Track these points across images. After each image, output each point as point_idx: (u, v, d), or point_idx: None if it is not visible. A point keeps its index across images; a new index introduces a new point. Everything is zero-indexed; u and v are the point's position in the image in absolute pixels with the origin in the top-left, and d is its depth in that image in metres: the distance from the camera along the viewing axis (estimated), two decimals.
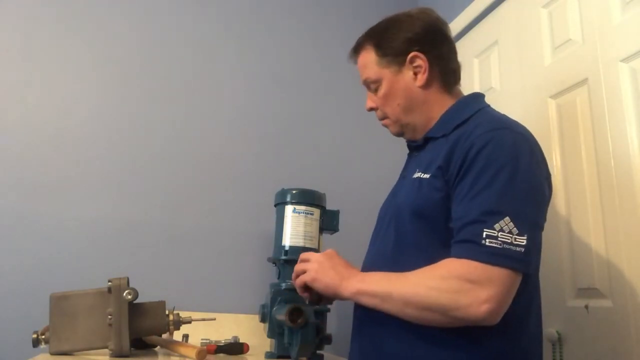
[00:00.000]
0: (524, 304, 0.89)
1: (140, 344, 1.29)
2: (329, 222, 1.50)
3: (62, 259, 1.72)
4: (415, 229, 0.95)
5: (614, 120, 1.27)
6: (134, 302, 1.14)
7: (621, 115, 1.25)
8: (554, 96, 1.49)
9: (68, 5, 1.91)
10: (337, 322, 1.90)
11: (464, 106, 1.05)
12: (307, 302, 1.07)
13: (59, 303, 1.14)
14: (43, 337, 1.14)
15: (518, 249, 0.81)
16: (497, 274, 0.80)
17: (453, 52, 1.10)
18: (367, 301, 0.93)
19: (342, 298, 0.98)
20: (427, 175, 0.96)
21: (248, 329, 1.75)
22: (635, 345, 1.15)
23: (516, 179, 0.85)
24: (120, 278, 1.14)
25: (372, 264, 1.06)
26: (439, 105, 1.06)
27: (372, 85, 1.10)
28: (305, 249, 1.40)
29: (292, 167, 2.02)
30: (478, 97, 1.10)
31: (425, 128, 1.07)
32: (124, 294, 1.12)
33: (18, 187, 1.74)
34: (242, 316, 1.80)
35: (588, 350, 1.26)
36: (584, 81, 1.38)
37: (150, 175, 1.88)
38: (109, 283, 1.14)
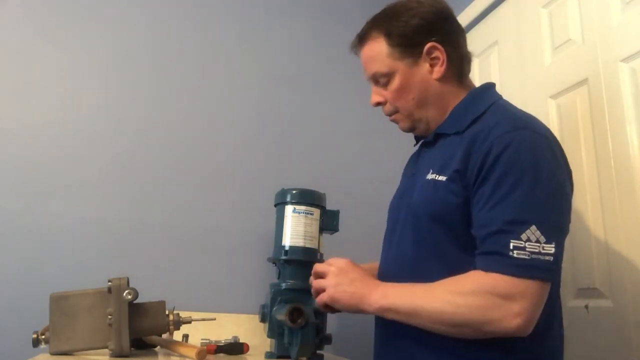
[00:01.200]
0: (549, 310, 0.88)
1: (140, 344, 1.29)
2: (329, 222, 1.50)
3: (62, 259, 1.72)
4: (434, 234, 0.93)
5: (614, 120, 1.27)
6: (134, 302, 1.14)
7: (621, 115, 1.25)
8: (554, 96, 1.49)
9: (68, 5, 1.91)
10: (337, 322, 1.90)
11: (477, 99, 1.00)
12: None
13: (59, 303, 1.14)
14: (43, 337, 1.13)
15: (547, 257, 0.79)
16: (527, 286, 0.78)
17: (465, 40, 1.05)
18: (392, 317, 0.91)
19: (366, 313, 0.96)
20: (443, 178, 0.92)
21: (248, 329, 1.75)
22: (635, 345, 1.15)
23: (539, 184, 0.82)
24: (120, 278, 1.14)
25: (390, 270, 1.03)
26: (454, 97, 1.01)
27: (381, 79, 1.02)
28: (305, 249, 1.40)
29: (292, 167, 2.01)
30: (490, 89, 1.04)
31: (439, 122, 1.02)
32: (124, 294, 1.12)
33: (18, 187, 1.74)
34: (242, 316, 1.80)
35: (588, 350, 1.26)
36: (584, 81, 1.38)
37: (150, 175, 1.88)
38: (109, 283, 1.14)
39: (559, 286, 0.93)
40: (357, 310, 0.96)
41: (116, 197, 1.83)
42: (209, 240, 1.89)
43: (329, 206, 1.53)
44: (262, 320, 1.40)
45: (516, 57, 1.68)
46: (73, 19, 1.91)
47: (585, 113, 1.37)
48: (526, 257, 0.78)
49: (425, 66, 0.99)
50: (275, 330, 1.33)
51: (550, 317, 0.89)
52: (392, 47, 0.99)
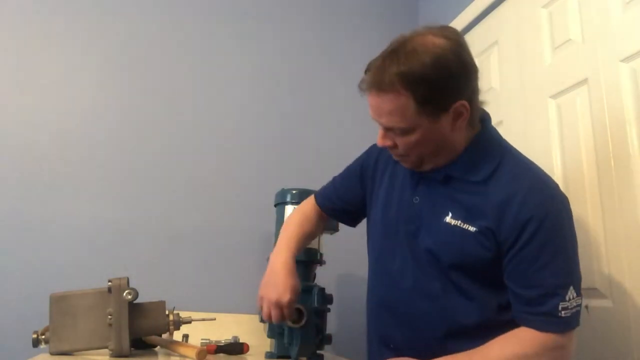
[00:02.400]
0: None
1: (140, 344, 1.29)
2: (329, 222, 1.49)
3: (62, 259, 1.73)
4: (455, 274, 0.99)
5: (613, 120, 1.27)
6: (134, 302, 1.14)
7: (621, 115, 1.25)
8: (554, 96, 1.49)
9: (68, 6, 1.91)
10: (337, 322, 1.90)
11: (487, 145, 1.01)
12: None
13: (59, 303, 1.14)
14: (43, 337, 1.13)
15: (578, 308, 0.93)
16: (572, 334, 0.94)
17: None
18: None
19: None
20: (472, 229, 0.96)
21: (248, 329, 1.75)
22: (635, 345, 1.15)
23: (572, 249, 0.95)
24: (120, 278, 1.14)
25: (412, 303, 1.03)
26: (465, 138, 1.01)
27: (398, 130, 0.97)
28: (305, 249, 1.40)
29: (292, 167, 2.02)
30: (493, 131, 1.05)
31: (447, 162, 1.02)
32: (124, 294, 1.12)
33: (18, 188, 1.74)
34: (242, 316, 1.80)
35: (588, 350, 1.26)
36: (584, 81, 1.38)
37: (150, 175, 1.88)
38: (109, 283, 1.14)
39: None
40: None
41: (116, 197, 1.83)
42: (209, 240, 1.89)
43: None
44: (262, 320, 1.40)
45: (516, 57, 1.68)
46: (73, 19, 1.91)
47: (585, 113, 1.37)
48: (569, 315, 0.92)
49: (447, 120, 0.95)
50: (275, 330, 1.33)
51: None
52: (419, 105, 0.92)
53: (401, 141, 0.98)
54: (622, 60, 1.27)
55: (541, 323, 0.92)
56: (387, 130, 0.99)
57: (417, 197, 1.05)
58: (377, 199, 1.16)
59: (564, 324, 0.91)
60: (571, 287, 0.92)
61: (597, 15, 1.36)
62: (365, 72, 0.98)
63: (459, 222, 0.97)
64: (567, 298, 0.91)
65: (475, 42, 1.92)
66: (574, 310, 0.92)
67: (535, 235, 0.92)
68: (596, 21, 1.36)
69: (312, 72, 2.16)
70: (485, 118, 1.05)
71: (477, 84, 0.99)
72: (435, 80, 0.91)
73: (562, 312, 0.91)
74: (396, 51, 0.94)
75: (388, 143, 1.01)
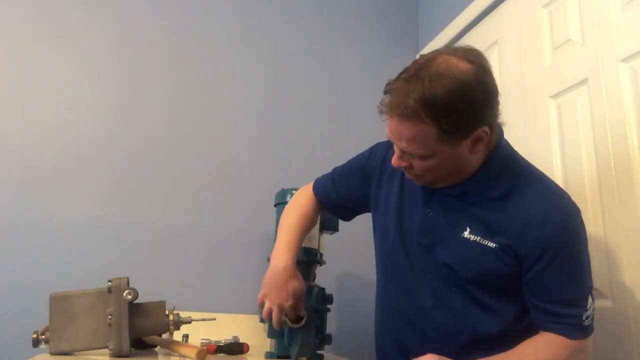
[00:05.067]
0: None
1: (140, 344, 1.29)
2: (329, 222, 1.50)
3: (62, 259, 1.72)
4: (473, 287, 1.00)
5: (614, 120, 1.27)
6: (134, 302, 1.14)
7: (621, 115, 1.25)
8: (554, 96, 1.49)
9: (68, 6, 1.91)
10: (337, 322, 1.90)
11: (502, 162, 1.01)
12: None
13: (59, 303, 1.14)
14: (43, 337, 1.13)
15: (594, 312, 0.98)
16: (591, 336, 1.00)
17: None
18: None
19: None
20: (492, 245, 0.97)
21: (248, 329, 1.75)
22: (635, 345, 1.15)
23: (587, 259, 0.99)
24: (120, 278, 1.14)
25: (434, 319, 1.03)
26: (482, 158, 1.00)
27: (416, 155, 0.95)
28: (305, 249, 1.40)
29: (292, 167, 2.02)
30: (507, 146, 1.04)
31: (463, 179, 1.01)
32: (124, 294, 1.12)
33: (18, 187, 1.74)
34: (242, 316, 1.80)
35: None
36: (584, 81, 1.38)
37: (150, 175, 1.88)
38: (109, 283, 1.14)
39: None
40: None
41: (116, 197, 1.83)
42: (209, 240, 1.89)
43: None
44: (262, 320, 1.40)
45: (516, 57, 1.68)
46: (73, 20, 1.91)
47: (585, 113, 1.37)
48: (591, 321, 0.97)
49: (467, 145, 0.94)
50: (275, 331, 1.33)
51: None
52: (442, 133, 0.90)
53: (418, 164, 0.97)
54: (622, 60, 1.27)
55: (569, 331, 0.96)
56: (405, 153, 0.97)
57: (430, 210, 1.04)
58: (385, 205, 1.14)
59: (588, 330, 0.97)
60: (589, 296, 0.97)
61: (597, 15, 1.36)
62: (385, 92, 0.94)
63: (479, 237, 0.98)
64: (588, 307, 0.96)
65: (475, 42, 1.91)
66: (593, 315, 0.97)
67: (559, 254, 0.95)
68: (596, 21, 1.36)
69: (312, 71, 2.16)
70: (505, 141, 1.04)
71: (498, 107, 0.97)
72: (460, 108, 0.89)
73: (586, 321, 0.96)
74: (419, 75, 0.90)
75: (404, 164, 0.99)
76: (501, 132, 1.04)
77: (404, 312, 1.08)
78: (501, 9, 1.79)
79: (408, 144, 0.94)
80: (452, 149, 0.93)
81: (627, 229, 1.20)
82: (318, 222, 1.45)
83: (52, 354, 1.12)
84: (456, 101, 0.88)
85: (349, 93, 2.15)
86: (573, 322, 0.96)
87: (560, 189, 1.02)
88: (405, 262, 1.08)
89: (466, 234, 0.99)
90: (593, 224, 1.30)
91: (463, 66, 0.91)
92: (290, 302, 1.12)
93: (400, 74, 0.93)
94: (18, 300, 1.65)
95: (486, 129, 0.93)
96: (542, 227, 0.94)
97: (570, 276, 0.96)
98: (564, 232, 0.96)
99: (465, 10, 1.93)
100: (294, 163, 2.03)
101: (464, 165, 0.99)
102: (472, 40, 1.94)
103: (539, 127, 1.52)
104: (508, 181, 0.99)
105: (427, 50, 2.19)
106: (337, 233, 1.57)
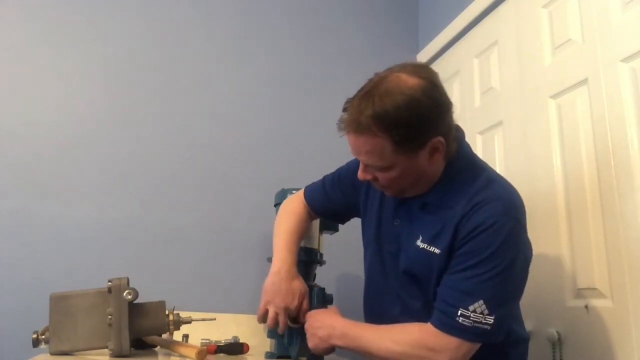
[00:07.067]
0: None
1: (140, 344, 1.29)
2: (329, 222, 1.50)
3: (62, 259, 1.72)
4: (421, 291, 1.06)
5: (614, 120, 1.27)
6: (134, 302, 1.14)
7: (621, 115, 1.25)
8: (554, 96, 1.49)
9: (69, 6, 1.91)
10: None
11: (461, 169, 1.05)
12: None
13: (59, 303, 1.14)
14: (43, 337, 1.13)
15: (483, 326, 0.93)
16: (458, 343, 0.94)
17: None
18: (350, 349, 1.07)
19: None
20: (437, 251, 1.01)
21: (248, 329, 1.75)
22: (636, 345, 1.15)
23: (507, 266, 0.95)
24: (120, 278, 1.14)
25: (399, 320, 1.07)
26: (442, 166, 1.05)
27: (377, 167, 1.02)
28: (305, 249, 1.40)
29: (292, 167, 2.02)
30: (466, 151, 1.09)
31: (427, 189, 1.06)
32: (124, 294, 1.12)
33: (18, 187, 1.74)
34: (242, 316, 1.80)
35: (588, 350, 1.26)
36: (584, 81, 1.38)
37: (150, 175, 1.88)
38: (109, 283, 1.14)
39: (519, 309, 1.14)
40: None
41: (116, 197, 1.83)
42: (209, 240, 1.89)
43: None
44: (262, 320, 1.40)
45: (516, 57, 1.68)
46: (73, 19, 1.91)
47: (585, 113, 1.37)
48: (466, 324, 0.93)
49: (424, 155, 0.99)
50: (275, 331, 1.33)
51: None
52: (396, 145, 0.96)
53: (381, 176, 1.03)
54: (622, 60, 1.27)
55: (436, 316, 0.96)
56: (367, 166, 1.03)
57: (397, 220, 1.11)
58: (370, 213, 1.20)
59: (454, 328, 0.93)
60: (481, 301, 0.93)
61: (597, 15, 1.36)
62: (343, 110, 1.04)
63: (426, 245, 1.03)
64: (469, 308, 0.92)
65: (475, 42, 1.92)
66: (473, 324, 0.92)
67: (469, 241, 0.96)
68: (596, 21, 1.36)
69: (312, 71, 2.16)
70: (458, 137, 1.07)
71: (452, 118, 1.02)
72: (410, 121, 0.94)
73: (460, 319, 0.93)
74: (371, 92, 0.97)
75: (369, 177, 1.05)
76: (462, 135, 1.09)
77: (380, 318, 1.12)
78: (501, 9, 1.79)
79: (367, 157, 1.01)
80: (409, 159, 0.99)
81: (627, 229, 1.20)
82: (318, 222, 1.46)
83: (52, 354, 1.12)
84: (406, 114, 0.94)
85: (349, 93, 2.14)
86: (444, 310, 0.95)
87: (513, 194, 1.03)
88: (380, 270, 1.15)
89: (419, 242, 1.04)
90: (593, 224, 1.30)
91: (411, 82, 0.96)
92: (295, 303, 1.15)
93: (357, 92, 1.02)
94: (18, 301, 1.65)
95: (441, 139, 0.98)
96: (469, 219, 0.97)
97: (468, 267, 0.95)
98: (485, 224, 0.95)
99: (465, 10, 1.93)
100: (293, 163, 2.03)
101: (425, 175, 1.03)
102: (472, 40, 1.94)
103: (539, 127, 1.52)
104: (466, 190, 1.02)
105: (427, 50, 2.21)
106: (337, 233, 1.57)
